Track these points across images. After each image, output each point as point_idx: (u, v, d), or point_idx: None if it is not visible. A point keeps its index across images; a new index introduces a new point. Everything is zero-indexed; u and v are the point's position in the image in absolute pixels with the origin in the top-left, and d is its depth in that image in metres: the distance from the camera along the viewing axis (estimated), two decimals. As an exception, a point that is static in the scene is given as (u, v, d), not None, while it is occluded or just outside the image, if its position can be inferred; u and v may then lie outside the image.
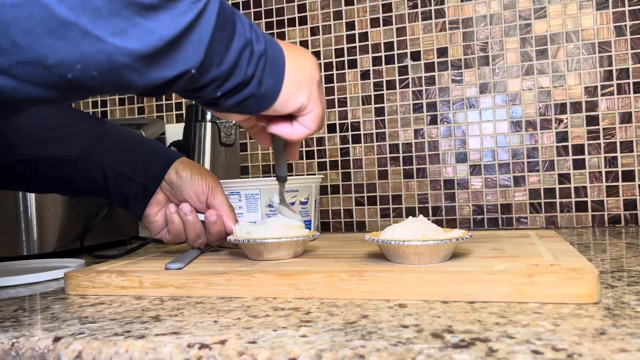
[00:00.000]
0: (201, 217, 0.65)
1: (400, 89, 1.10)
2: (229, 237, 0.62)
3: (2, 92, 0.30)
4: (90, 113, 1.34)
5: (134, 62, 0.32)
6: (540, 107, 1.02)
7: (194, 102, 1.23)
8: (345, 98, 1.14)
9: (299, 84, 0.45)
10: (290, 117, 0.49)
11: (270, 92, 0.43)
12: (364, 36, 1.12)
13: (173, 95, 1.27)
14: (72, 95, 0.33)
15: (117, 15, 0.30)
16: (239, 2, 1.22)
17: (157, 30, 0.32)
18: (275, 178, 0.64)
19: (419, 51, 1.09)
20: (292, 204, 0.78)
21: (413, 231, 0.52)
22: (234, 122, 1.08)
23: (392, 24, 1.11)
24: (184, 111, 1.26)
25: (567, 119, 1.01)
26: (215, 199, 0.64)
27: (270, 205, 0.76)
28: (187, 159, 0.65)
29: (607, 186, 0.99)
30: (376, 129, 1.12)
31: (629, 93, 0.98)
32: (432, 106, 1.08)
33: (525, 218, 1.03)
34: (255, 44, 0.40)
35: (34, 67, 0.29)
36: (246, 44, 0.39)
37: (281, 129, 0.49)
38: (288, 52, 0.45)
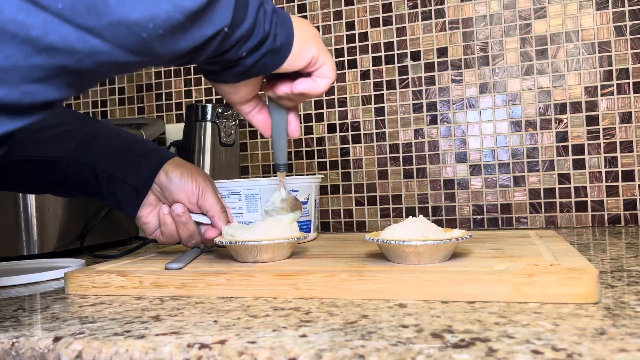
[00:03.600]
0: (195, 217, 0.64)
1: (400, 89, 1.10)
2: (215, 239, 0.62)
3: (96, 56, 0.30)
4: (90, 113, 1.34)
5: (185, 20, 0.34)
6: (540, 107, 1.03)
7: (194, 102, 1.23)
8: (345, 98, 1.14)
9: (307, 37, 0.49)
10: (306, 75, 0.52)
11: (285, 45, 0.47)
12: (364, 36, 1.12)
13: (173, 95, 1.27)
14: (142, 60, 0.34)
15: None
16: (239, 2, 1.22)
17: None
18: (277, 169, 0.61)
19: (419, 51, 1.09)
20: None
21: (413, 231, 0.52)
22: (233, 122, 1.08)
23: (392, 24, 1.11)
24: (184, 111, 1.26)
25: (567, 119, 1.01)
26: (205, 200, 0.63)
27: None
28: (178, 159, 0.65)
29: (607, 186, 0.99)
30: (376, 129, 1.12)
31: (629, 93, 0.98)
32: (432, 106, 1.08)
33: (525, 218, 1.03)
34: (266, 4, 0.44)
35: (119, 27, 0.30)
36: (260, 4, 0.43)
37: (305, 85, 0.52)
38: (290, 13, 0.50)
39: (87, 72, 0.31)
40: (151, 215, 0.64)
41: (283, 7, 1.18)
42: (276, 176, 0.64)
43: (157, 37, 0.33)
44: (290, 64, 0.48)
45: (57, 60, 0.28)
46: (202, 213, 0.65)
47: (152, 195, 0.63)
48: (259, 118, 0.56)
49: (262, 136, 1.20)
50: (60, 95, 0.31)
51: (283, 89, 0.53)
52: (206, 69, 0.48)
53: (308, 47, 0.49)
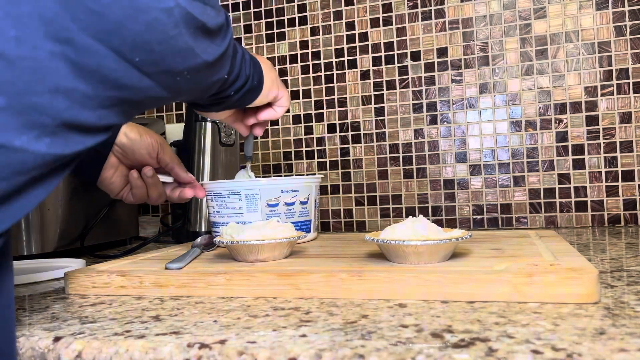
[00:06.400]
0: (161, 178, 0.71)
1: (400, 89, 1.10)
2: (215, 239, 0.62)
3: (147, 92, 0.37)
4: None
5: (203, 68, 0.41)
6: (540, 107, 1.03)
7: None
8: (345, 98, 1.14)
9: (271, 79, 0.62)
10: (268, 105, 0.66)
11: (257, 84, 0.59)
12: (364, 36, 1.12)
13: (173, 95, 1.27)
14: (174, 96, 0.42)
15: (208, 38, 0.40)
16: (239, 2, 1.22)
17: (213, 50, 0.42)
18: (247, 159, 0.77)
19: (419, 51, 1.09)
20: (292, 204, 0.78)
21: (413, 231, 0.52)
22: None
23: (392, 24, 1.11)
24: (184, 111, 1.26)
25: (566, 119, 1.01)
26: (164, 153, 0.70)
27: (269, 205, 0.76)
28: (131, 122, 0.69)
29: (606, 186, 0.99)
30: (376, 129, 1.12)
31: (629, 93, 0.98)
32: (432, 106, 1.08)
33: (525, 218, 1.03)
34: (245, 54, 0.54)
35: (167, 74, 0.38)
36: (242, 55, 0.53)
37: (267, 114, 0.66)
38: (258, 57, 0.60)
39: (138, 104, 0.39)
40: (115, 176, 0.68)
41: (283, 8, 1.18)
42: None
43: (185, 80, 0.40)
44: (261, 100, 0.61)
45: (123, 94, 0.36)
46: (162, 170, 0.71)
47: (114, 157, 0.68)
48: (240, 125, 0.70)
49: (261, 137, 1.20)
50: (119, 120, 0.37)
51: (250, 120, 0.68)
52: (196, 104, 0.56)
53: (273, 86, 0.62)
